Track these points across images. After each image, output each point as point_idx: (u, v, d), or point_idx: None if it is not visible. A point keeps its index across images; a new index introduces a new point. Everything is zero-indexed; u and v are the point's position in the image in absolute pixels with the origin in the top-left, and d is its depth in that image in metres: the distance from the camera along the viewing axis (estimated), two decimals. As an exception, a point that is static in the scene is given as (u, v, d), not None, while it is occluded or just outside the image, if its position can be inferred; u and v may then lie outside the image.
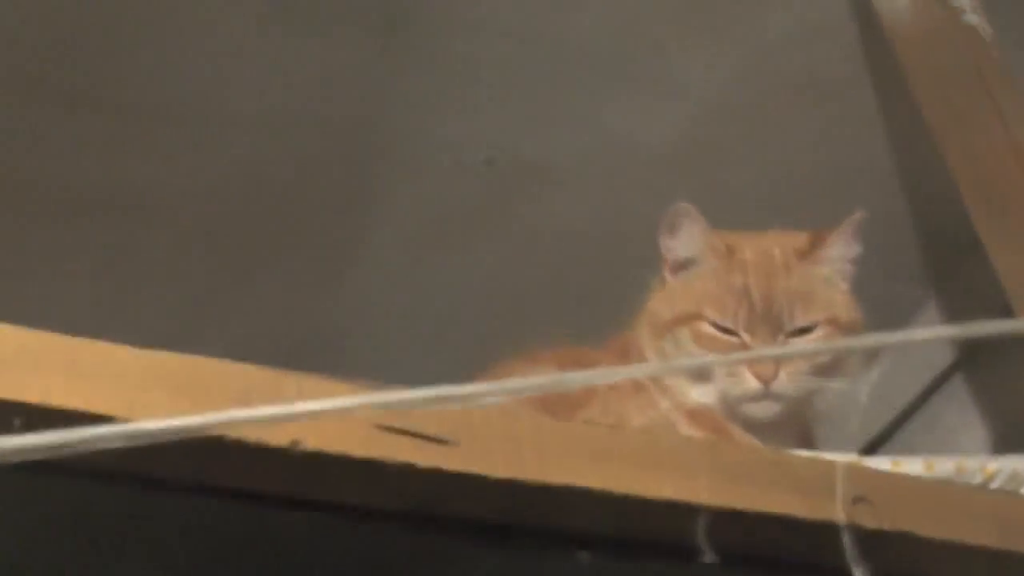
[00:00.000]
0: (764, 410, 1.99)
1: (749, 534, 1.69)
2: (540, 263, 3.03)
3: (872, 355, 2.14)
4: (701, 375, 1.99)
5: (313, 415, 1.42)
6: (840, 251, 2.11)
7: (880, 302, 2.25)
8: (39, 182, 2.72)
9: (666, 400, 2.00)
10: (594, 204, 2.92)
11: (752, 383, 1.94)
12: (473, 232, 2.99)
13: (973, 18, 2.14)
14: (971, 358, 2.64)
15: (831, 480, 1.71)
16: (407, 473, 1.54)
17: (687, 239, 2.09)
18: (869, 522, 1.68)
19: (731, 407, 2.00)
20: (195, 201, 2.82)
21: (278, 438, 1.49)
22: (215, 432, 1.42)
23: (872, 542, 1.67)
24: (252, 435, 1.48)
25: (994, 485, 1.87)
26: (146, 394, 1.44)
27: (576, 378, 1.77)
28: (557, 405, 1.90)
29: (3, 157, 2.61)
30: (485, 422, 1.61)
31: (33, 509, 1.61)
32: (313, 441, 1.50)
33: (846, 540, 1.65)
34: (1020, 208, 2.09)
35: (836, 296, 2.12)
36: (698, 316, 2.03)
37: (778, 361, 1.93)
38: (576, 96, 2.69)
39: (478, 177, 2.90)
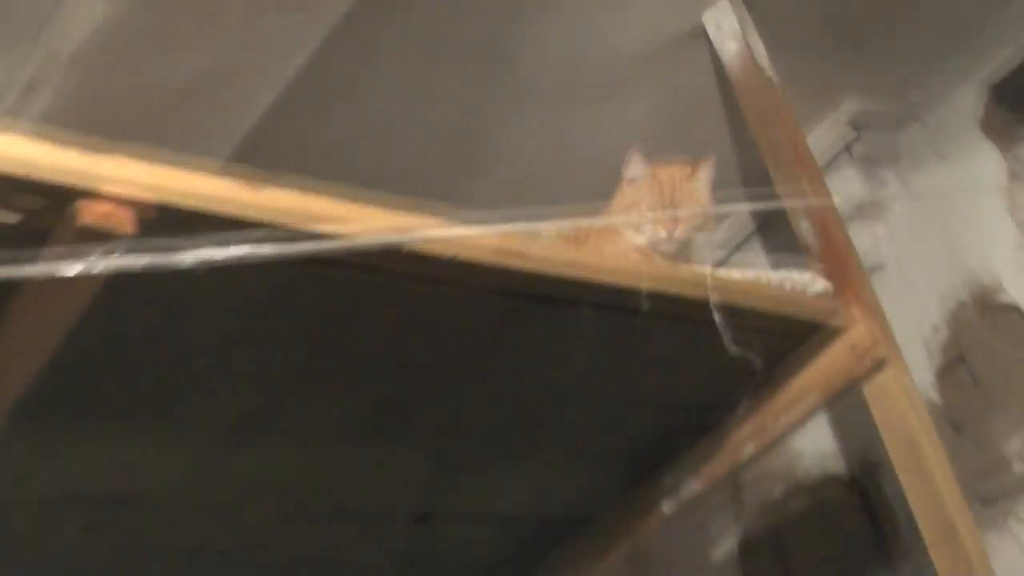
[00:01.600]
0: (668, 247, 2.05)
1: (664, 304, 1.82)
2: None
3: (716, 222, 2.25)
4: (640, 230, 2.07)
5: (461, 236, 1.64)
6: (705, 176, 2.15)
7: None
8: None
9: (623, 242, 2.07)
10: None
11: (663, 233, 2.04)
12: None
13: (766, 67, 2.30)
14: (762, 229, 2.73)
15: (704, 278, 1.88)
16: (504, 270, 1.69)
17: (634, 168, 2.15)
18: (720, 299, 1.84)
19: (653, 246, 2.05)
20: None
21: (445, 252, 1.62)
22: (418, 247, 1.60)
23: (722, 309, 1.84)
24: (434, 250, 1.62)
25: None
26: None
27: (581, 222, 2.01)
28: (575, 240, 2.03)
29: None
30: (539, 246, 1.76)
31: (318, 292, 1.68)
32: (463, 255, 1.63)
33: (713, 306, 1.83)
34: (790, 164, 2.25)
35: (703, 198, 2.14)
36: (639, 204, 2.10)
37: (675, 221, 2.04)
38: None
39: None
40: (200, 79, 2.09)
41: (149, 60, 2.05)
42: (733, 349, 1.87)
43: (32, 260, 1.24)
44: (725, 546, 2.80)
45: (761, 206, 2.35)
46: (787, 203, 2.27)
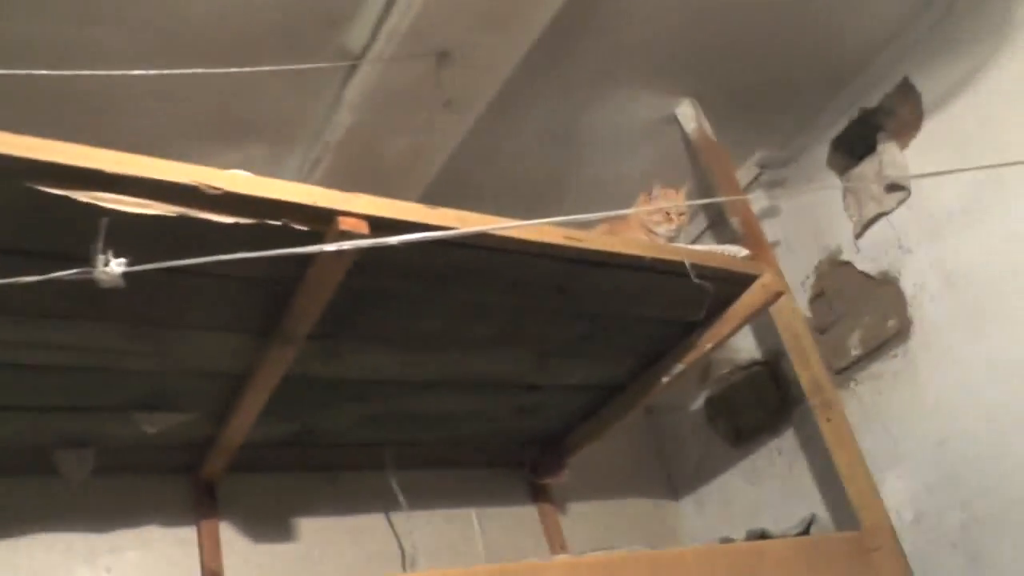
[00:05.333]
0: (667, 234, 1.97)
1: (660, 265, 1.77)
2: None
3: (689, 220, 2.08)
4: (652, 224, 1.98)
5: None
6: (684, 194, 2.03)
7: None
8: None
9: (639, 231, 1.97)
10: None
11: (664, 226, 1.95)
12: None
13: (711, 136, 2.27)
14: (712, 226, 2.67)
15: (682, 250, 1.87)
16: (570, 248, 1.63)
17: (648, 191, 2.01)
18: (692, 261, 1.81)
19: (658, 233, 1.96)
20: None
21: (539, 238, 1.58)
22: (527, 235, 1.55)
23: (693, 267, 1.81)
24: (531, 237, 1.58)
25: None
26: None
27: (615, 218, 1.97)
28: (611, 231, 1.96)
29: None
30: (590, 234, 1.69)
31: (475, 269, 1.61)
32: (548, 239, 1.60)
33: (688, 265, 1.78)
34: (727, 188, 2.25)
35: (684, 207, 2.02)
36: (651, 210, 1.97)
37: (671, 218, 1.98)
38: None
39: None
40: (400, 155, 2.03)
41: (374, 146, 2.00)
42: (699, 284, 1.78)
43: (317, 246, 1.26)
44: (698, 401, 2.76)
45: (711, 201, 2.27)
46: (728, 203, 2.21)
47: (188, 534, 1.93)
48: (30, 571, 1.74)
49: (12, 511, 1.77)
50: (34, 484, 1.80)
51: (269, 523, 2.01)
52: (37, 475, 1.79)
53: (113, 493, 1.89)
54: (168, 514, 1.93)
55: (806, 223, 2.44)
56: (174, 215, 1.22)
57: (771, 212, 2.49)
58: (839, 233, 2.35)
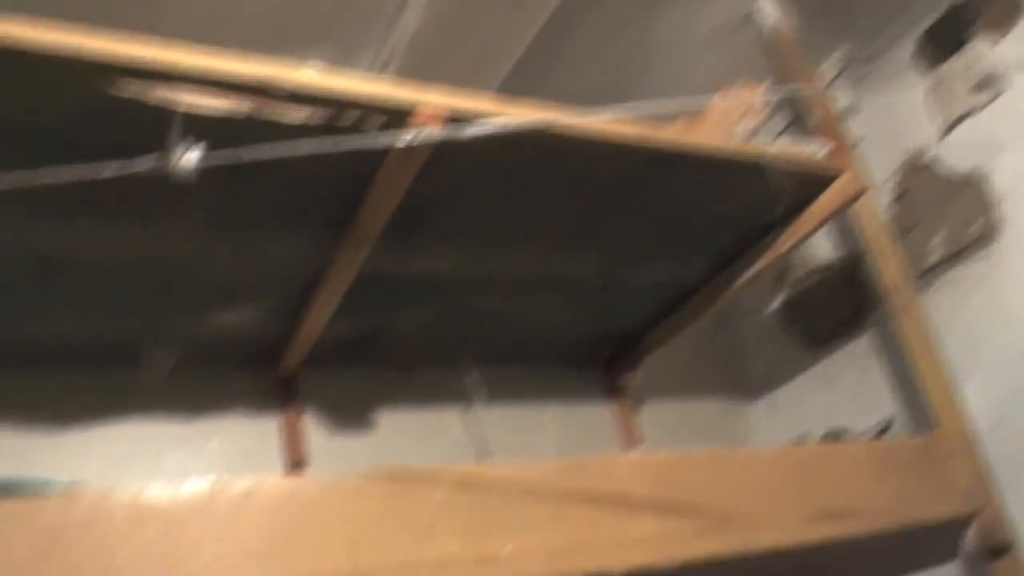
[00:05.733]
0: (744, 131, 1.86)
1: (739, 164, 1.75)
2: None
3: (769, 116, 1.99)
4: (729, 120, 1.87)
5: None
6: (763, 89, 1.96)
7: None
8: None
9: (715, 128, 1.86)
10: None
11: (743, 123, 1.87)
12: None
13: (792, 34, 2.21)
14: (793, 123, 2.49)
15: (762, 147, 1.83)
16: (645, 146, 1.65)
17: (728, 87, 1.94)
18: (772, 159, 1.78)
19: (736, 131, 1.85)
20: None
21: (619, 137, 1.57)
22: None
23: (772, 166, 1.79)
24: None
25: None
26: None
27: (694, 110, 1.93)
28: (688, 128, 1.88)
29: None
30: (667, 131, 1.67)
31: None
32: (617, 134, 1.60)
33: (768, 164, 1.76)
34: (806, 84, 2.19)
35: (763, 104, 1.94)
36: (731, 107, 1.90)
37: (750, 114, 1.89)
38: None
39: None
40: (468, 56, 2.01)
41: (441, 48, 1.98)
42: (777, 182, 1.75)
43: (392, 137, 1.30)
44: (775, 303, 2.71)
45: (790, 93, 2.13)
46: (807, 99, 2.12)
47: (270, 425, 1.99)
48: (121, 456, 1.83)
49: (103, 402, 1.85)
50: (121, 377, 1.87)
51: (347, 417, 2.06)
52: (124, 369, 1.86)
53: (197, 386, 1.95)
54: (250, 406, 1.99)
55: (889, 122, 2.35)
56: (245, 112, 1.21)
57: (853, 110, 2.40)
58: (924, 133, 2.26)
